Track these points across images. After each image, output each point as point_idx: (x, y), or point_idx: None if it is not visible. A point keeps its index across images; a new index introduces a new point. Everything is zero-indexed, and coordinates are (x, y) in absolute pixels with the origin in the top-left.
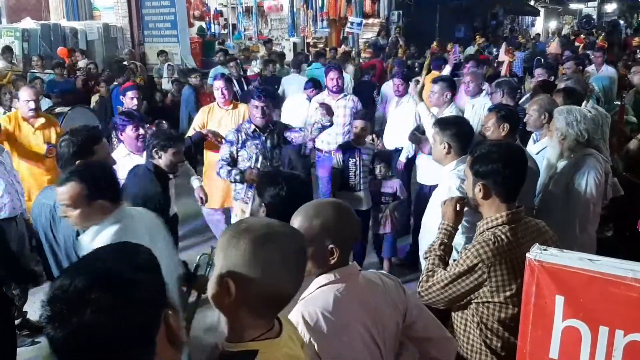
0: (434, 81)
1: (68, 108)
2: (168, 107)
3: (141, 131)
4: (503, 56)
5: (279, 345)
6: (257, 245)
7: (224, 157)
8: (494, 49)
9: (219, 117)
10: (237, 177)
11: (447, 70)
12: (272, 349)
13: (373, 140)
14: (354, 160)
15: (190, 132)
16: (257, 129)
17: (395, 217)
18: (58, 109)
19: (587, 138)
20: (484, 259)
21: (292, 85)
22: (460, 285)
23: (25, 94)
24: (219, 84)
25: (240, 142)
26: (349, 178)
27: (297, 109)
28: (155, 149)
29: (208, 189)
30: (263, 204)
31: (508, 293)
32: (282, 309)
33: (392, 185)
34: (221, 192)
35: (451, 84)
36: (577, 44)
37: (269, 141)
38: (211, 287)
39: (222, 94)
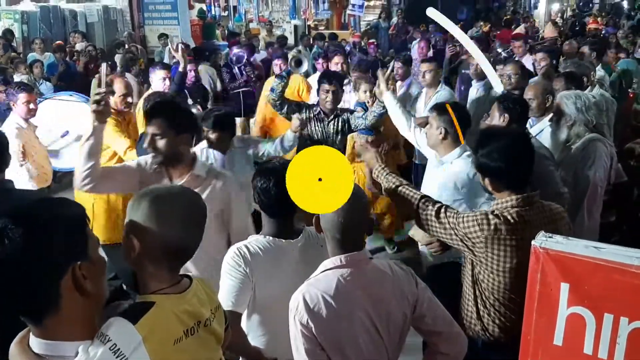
0: (424, 60)
1: None
2: None
3: None
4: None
5: (179, 302)
6: (153, 204)
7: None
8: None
9: None
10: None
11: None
12: (169, 302)
13: None
14: None
15: None
16: (322, 113)
17: None
18: None
19: (595, 123)
20: (484, 229)
21: None
22: (448, 237)
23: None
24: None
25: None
26: None
27: None
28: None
29: None
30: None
31: (502, 270)
32: (183, 261)
33: None
34: None
35: (440, 64)
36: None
37: (332, 125)
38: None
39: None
